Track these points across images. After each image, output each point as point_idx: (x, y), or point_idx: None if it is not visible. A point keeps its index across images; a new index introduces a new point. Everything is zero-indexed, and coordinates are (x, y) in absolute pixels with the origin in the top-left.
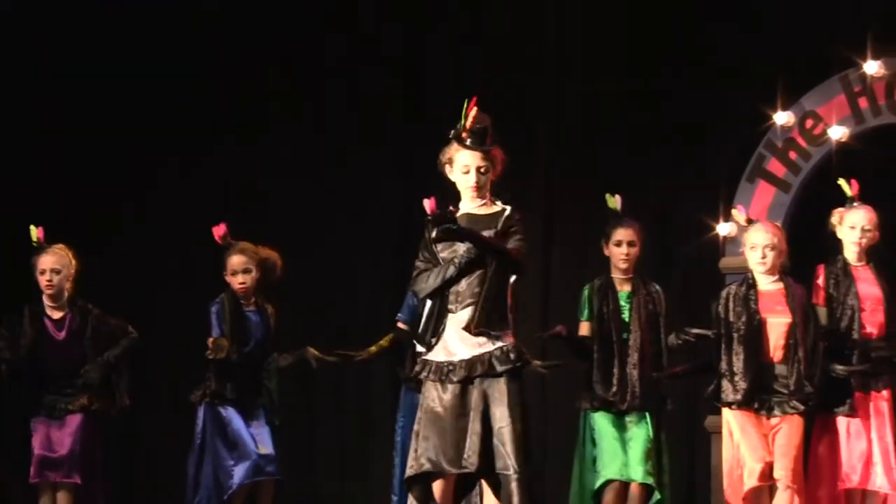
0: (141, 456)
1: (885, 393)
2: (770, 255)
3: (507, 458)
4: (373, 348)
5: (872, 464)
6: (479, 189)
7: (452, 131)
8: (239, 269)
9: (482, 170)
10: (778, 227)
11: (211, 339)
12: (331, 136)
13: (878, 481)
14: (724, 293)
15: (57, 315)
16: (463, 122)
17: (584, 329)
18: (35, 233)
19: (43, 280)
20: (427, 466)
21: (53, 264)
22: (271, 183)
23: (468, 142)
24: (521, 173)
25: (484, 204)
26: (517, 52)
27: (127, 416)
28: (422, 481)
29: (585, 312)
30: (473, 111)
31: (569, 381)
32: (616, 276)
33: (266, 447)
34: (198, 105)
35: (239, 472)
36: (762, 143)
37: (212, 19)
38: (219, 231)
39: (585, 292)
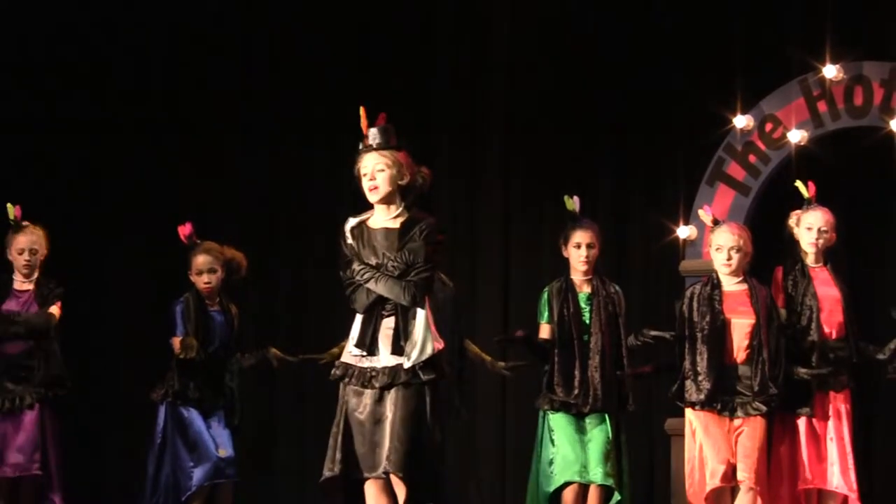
0: (99, 454)
1: (843, 394)
2: (735, 256)
3: (427, 470)
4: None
5: (830, 464)
6: (379, 190)
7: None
8: (204, 269)
9: (380, 168)
10: (744, 228)
11: (179, 339)
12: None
13: (836, 481)
14: (688, 293)
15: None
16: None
17: (545, 331)
18: (12, 210)
19: (22, 259)
20: (340, 470)
21: (33, 244)
22: (233, 185)
23: (360, 147)
24: (479, 175)
25: (397, 215)
26: (470, 52)
27: (86, 414)
28: (336, 484)
29: (545, 315)
30: (364, 119)
31: (528, 383)
32: (575, 277)
33: (226, 449)
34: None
35: (198, 473)
36: (722, 147)
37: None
38: (184, 230)
39: (544, 295)
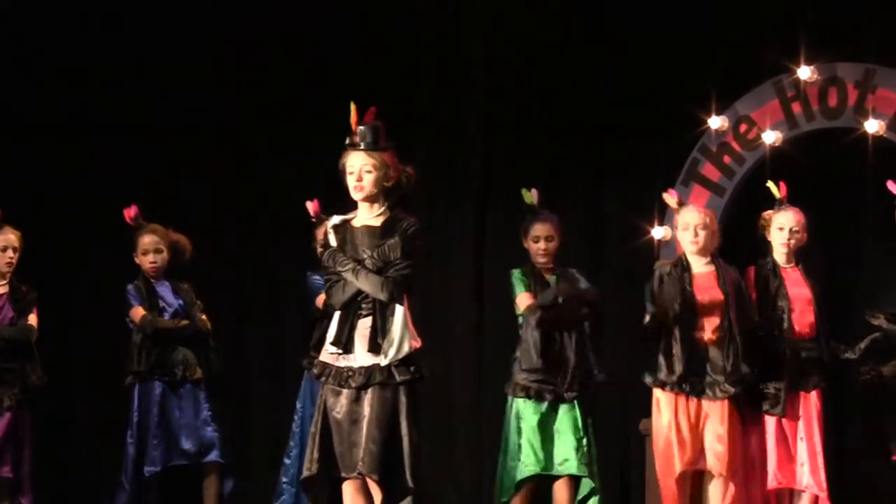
0: (74, 436)
1: (814, 393)
2: (702, 233)
3: (404, 471)
4: None
5: (800, 464)
6: (365, 190)
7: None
8: (150, 249)
9: (367, 170)
10: (709, 210)
11: (140, 312)
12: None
13: (805, 481)
14: (657, 274)
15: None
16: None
17: (524, 300)
18: None
19: (5, 257)
20: (318, 470)
21: (12, 243)
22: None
23: (347, 143)
24: (455, 175)
25: (380, 214)
26: (449, 54)
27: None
28: (316, 483)
29: (522, 287)
30: (354, 115)
31: (504, 382)
32: (538, 268)
33: (204, 428)
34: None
35: (171, 453)
36: (696, 147)
37: None
38: (130, 212)
39: (516, 273)
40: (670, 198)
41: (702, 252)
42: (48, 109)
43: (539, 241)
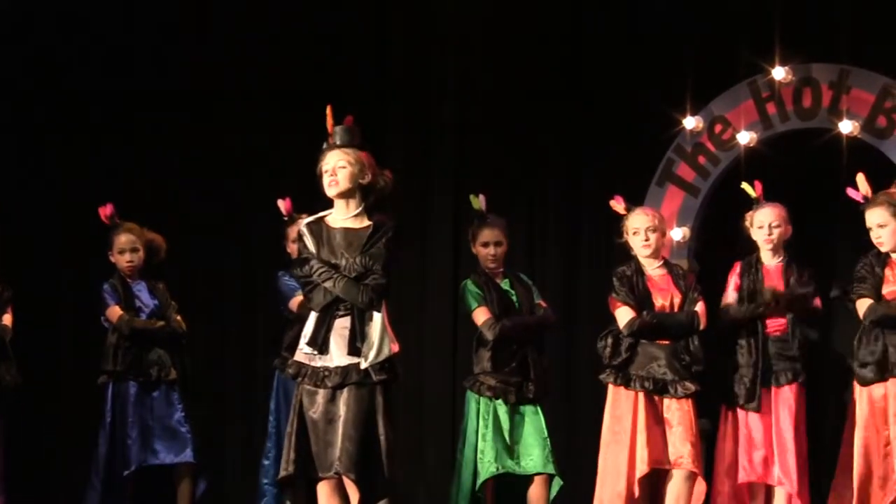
0: (47, 436)
1: (787, 388)
2: (653, 236)
3: (380, 470)
4: None
5: (773, 458)
6: (339, 185)
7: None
8: (126, 248)
9: (341, 165)
10: (657, 211)
11: (117, 312)
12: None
13: (778, 475)
14: (615, 279)
15: None
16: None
17: (481, 315)
18: None
19: None
20: (295, 470)
21: None
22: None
23: (325, 146)
24: (429, 177)
25: (357, 214)
26: (422, 55)
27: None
28: (293, 483)
29: (478, 299)
30: (329, 118)
31: None
32: (489, 273)
33: (177, 429)
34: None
35: (146, 453)
36: (671, 148)
37: None
38: (105, 211)
39: (468, 284)
40: (617, 204)
41: (654, 254)
42: (23, 107)
43: (488, 246)
